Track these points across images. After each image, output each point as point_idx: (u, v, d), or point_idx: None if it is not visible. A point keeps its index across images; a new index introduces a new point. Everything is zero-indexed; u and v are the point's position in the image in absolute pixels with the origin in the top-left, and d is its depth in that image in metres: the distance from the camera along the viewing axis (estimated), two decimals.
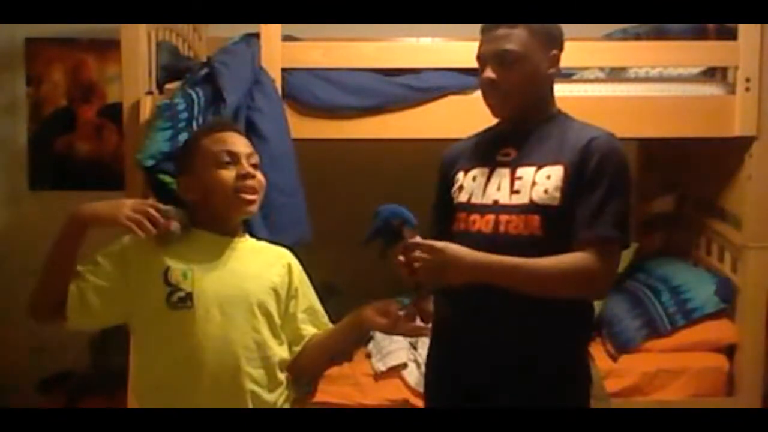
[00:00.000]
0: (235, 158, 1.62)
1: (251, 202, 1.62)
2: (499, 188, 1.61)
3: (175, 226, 1.58)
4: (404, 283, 1.52)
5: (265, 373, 1.60)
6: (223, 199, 1.61)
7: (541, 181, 1.56)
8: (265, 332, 1.61)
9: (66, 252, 1.55)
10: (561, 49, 1.65)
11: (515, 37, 1.58)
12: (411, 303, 1.55)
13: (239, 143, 1.66)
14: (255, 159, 1.67)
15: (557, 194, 1.54)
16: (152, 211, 1.52)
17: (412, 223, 1.50)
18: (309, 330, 1.71)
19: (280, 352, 1.64)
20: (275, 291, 1.65)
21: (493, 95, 1.62)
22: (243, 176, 1.60)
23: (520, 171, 1.60)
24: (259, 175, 1.65)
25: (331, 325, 1.75)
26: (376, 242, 1.55)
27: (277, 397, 1.64)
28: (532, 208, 1.55)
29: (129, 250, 1.60)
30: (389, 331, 1.62)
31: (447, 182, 1.73)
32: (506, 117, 1.65)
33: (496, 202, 1.60)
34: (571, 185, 1.54)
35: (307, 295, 1.74)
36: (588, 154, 1.54)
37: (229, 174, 1.60)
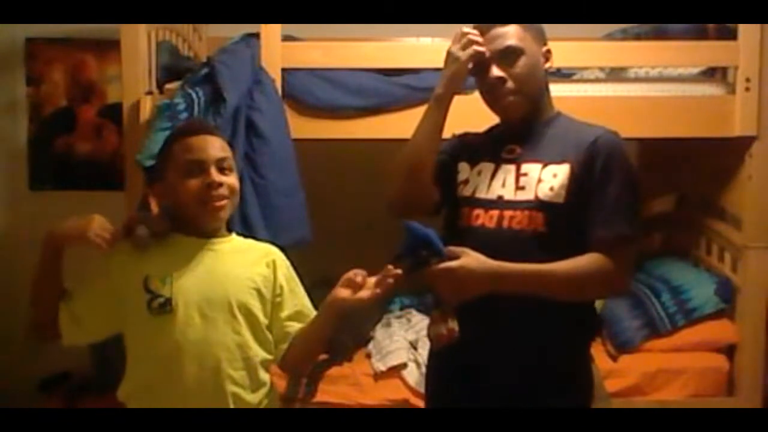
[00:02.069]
0: (202, 166, 1.59)
1: (218, 209, 1.61)
2: (503, 184, 1.61)
3: (141, 230, 1.59)
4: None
5: (247, 374, 1.60)
6: (191, 207, 1.61)
7: (547, 179, 1.57)
8: (246, 333, 1.61)
9: (48, 273, 1.58)
10: (546, 46, 1.67)
11: (512, 33, 1.60)
12: (437, 319, 1.54)
13: (209, 148, 1.61)
14: (227, 162, 1.63)
15: (563, 192, 1.55)
16: (112, 229, 1.56)
17: (441, 254, 1.48)
18: (295, 327, 1.69)
19: (263, 352, 1.64)
20: (258, 290, 1.64)
21: (503, 93, 1.62)
22: (208, 186, 1.59)
23: (525, 167, 1.60)
24: (230, 179, 1.62)
25: None
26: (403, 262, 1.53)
27: (261, 398, 1.63)
28: (537, 204, 1.56)
29: (111, 262, 1.61)
30: (356, 300, 1.56)
31: (451, 162, 1.73)
32: (518, 115, 1.65)
33: (500, 197, 1.60)
34: (577, 184, 1.55)
35: (296, 294, 1.71)
36: (594, 152, 1.55)
37: (194, 183, 1.58)
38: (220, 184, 1.60)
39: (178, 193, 1.61)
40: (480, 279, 1.47)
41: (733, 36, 2.50)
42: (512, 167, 1.62)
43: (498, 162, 1.65)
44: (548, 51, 1.66)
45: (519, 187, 1.59)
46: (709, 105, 2.54)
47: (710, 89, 2.58)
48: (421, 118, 1.70)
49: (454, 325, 1.50)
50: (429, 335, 1.55)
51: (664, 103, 2.53)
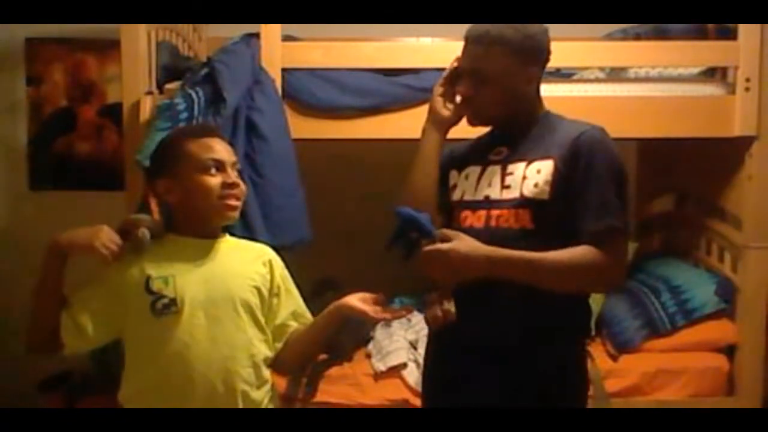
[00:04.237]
0: (221, 166, 1.63)
1: (235, 208, 1.65)
2: (490, 184, 1.63)
3: (142, 233, 1.60)
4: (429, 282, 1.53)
5: (253, 371, 1.62)
6: (207, 205, 1.62)
7: (532, 176, 1.57)
8: (250, 331, 1.63)
9: (51, 281, 1.57)
10: (543, 61, 1.66)
11: (492, 56, 1.60)
12: (434, 301, 1.54)
13: (224, 151, 1.67)
14: (238, 166, 1.70)
15: (547, 188, 1.55)
16: (120, 241, 1.56)
17: (429, 235, 1.49)
18: (293, 327, 1.72)
19: (264, 349, 1.66)
20: (257, 288, 1.66)
21: (466, 108, 1.68)
22: (230, 185, 1.63)
23: (511, 167, 1.62)
24: (242, 184, 1.68)
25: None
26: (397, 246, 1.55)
27: (264, 395, 1.65)
28: (522, 202, 1.57)
29: (111, 267, 1.61)
30: (364, 312, 1.62)
31: (443, 174, 1.74)
32: (479, 126, 1.70)
33: (487, 197, 1.61)
34: (562, 179, 1.55)
35: (291, 294, 1.75)
36: (578, 147, 1.55)
37: (215, 181, 1.62)
38: (238, 184, 1.64)
39: (195, 190, 1.62)
40: (471, 262, 1.47)
41: (733, 36, 2.50)
42: (498, 168, 1.63)
43: (485, 164, 1.66)
44: (533, 73, 1.63)
45: (505, 187, 1.60)
46: (709, 105, 2.54)
47: (710, 89, 2.57)
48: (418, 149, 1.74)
49: (450, 306, 1.51)
50: (426, 318, 1.56)
51: (664, 103, 2.53)
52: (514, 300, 1.55)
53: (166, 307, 1.56)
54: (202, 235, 1.66)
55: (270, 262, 1.72)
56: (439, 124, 1.71)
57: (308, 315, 1.76)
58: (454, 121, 1.72)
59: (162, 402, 1.56)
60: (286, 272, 1.76)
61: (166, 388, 1.57)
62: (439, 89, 1.72)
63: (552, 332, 1.58)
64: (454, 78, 1.71)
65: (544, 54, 1.65)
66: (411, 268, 1.51)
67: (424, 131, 1.73)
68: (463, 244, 1.48)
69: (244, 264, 1.68)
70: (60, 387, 3.03)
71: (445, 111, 1.71)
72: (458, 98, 1.73)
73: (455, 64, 1.70)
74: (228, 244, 1.71)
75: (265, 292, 1.68)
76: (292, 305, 1.73)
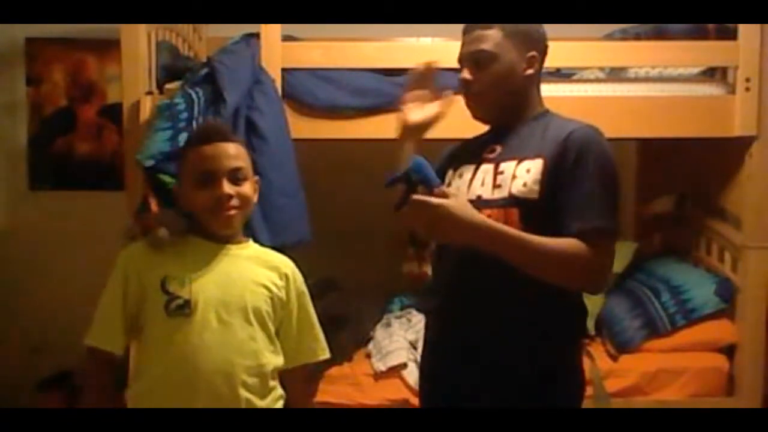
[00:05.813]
0: (214, 177, 1.60)
1: (229, 218, 1.62)
2: (482, 184, 1.62)
3: (162, 232, 1.61)
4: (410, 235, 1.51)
5: (259, 381, 1.61)
6: (202, 216, 1.63)
7: (521, 175, 1.56)
8: (261, 340, 1.62)
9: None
10: (541, 50, 1.66)
11: (488, 37, 1.61)
12: (412, 257, 1.53)
13: (222, 158, 1.61)
14: (241, 172, 1.63)
15: (536, 187, 1.54)
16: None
17: (430, 183, 1.47)
18: (305, 343, 1.73)
19: (274, 360, 1.65)
20: (272, 299, 1.66)
21: (467, 96, 1.66)
22: (219, 198, 1.60)
23: (503, 166, 1.60)
24: (243, 189, 1.63)
25: (325, 351, 1.77)
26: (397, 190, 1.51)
27: (269, 402, 1.64)
28: (511, 201, 1.55)
29: (129, 265, 1.62)
30: None
31: (441, 173, 1.73)
32: (482, 118, 1.68)
33: (479, 197, 1.60)
34: (551, 178, 1.54)
35: (307, 313, 1.74)
36: (567, 146, 1.54)
37: (205, 195, 1.60)
38: (231, 196, 1.60)
39: (191, 202, 1.63)
40: (456, 224, 1.43)
41: (733, 36, 2.50)
42: (491, 167, 1.62)
43: (478, 163, 1.65)
44: (533, 57, 1.63)
45: (496, 186, 1.59)
46: (709, 105, 2.54)
47: (710, 89, 2.57)
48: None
49: (427, 269, 1.49)
50: (402, 271, 1.54)
51: (664, 103, 2.53)
52: (510, 300, 1.54)
53: (179, 308, 1.56)
54: (219, 240, 1.65)
55: (286, 275, 1.70)
56: (407, 132, 1.69)
57: (320, 335, 1.76)
58: (425, 126, 1.69)
59: (166, 402, 1.56)
60: (304, 289, 1.74)
61: (170, 388, 1.57)
62: (404, 97, 1.71)
63: (548, 332, 1.58)
64: (420, 80, 1.71)
65: (542, 42, 1.66)
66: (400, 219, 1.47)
67: (398, 142, 1.69)
68: (457, 204, 1.45)
69: (262, 273, 1.67)
70: (60, 387, 3.03)
71: (411, 118, 1.68)
72: (444, 95, 1.71)
73: (420, 67, 1.71)
74: (249, 251, 1.71)
75: (279, 305, 1.67)
76: (308, 336, 1.74)
